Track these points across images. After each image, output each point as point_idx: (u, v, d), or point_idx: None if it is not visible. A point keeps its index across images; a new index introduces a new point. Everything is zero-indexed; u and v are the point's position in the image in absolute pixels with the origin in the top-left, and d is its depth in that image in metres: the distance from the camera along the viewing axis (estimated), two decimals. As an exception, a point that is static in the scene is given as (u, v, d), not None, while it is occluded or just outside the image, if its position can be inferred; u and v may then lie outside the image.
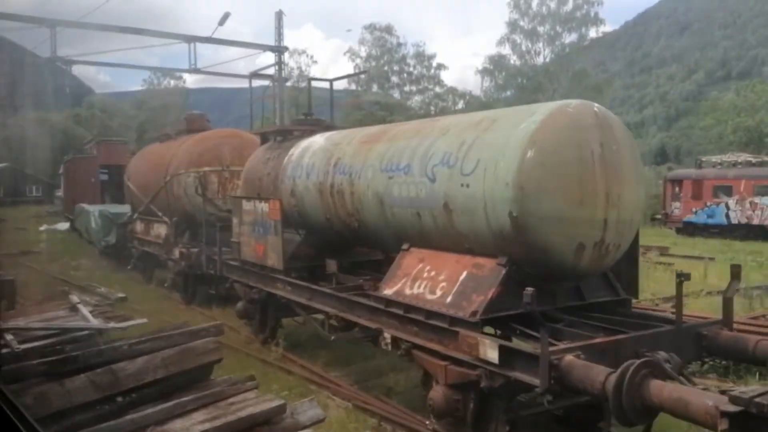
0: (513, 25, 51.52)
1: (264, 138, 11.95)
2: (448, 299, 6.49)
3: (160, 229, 15.10)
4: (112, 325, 10.69)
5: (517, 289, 6.37)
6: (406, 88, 64.26)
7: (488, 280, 6.28)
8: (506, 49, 51.36)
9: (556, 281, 6.38)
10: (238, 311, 10.82)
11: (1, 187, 64.75)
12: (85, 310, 11.26)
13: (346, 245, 9.76)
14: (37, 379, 6.66)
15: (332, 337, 8.40)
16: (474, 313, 6.08)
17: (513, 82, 48.41)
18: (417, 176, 7.10)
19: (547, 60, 49.79)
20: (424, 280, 6.99)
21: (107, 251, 19.94)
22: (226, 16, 25.05)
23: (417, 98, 65.07)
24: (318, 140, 9.79)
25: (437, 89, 61.77)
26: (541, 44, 50.46)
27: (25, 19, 21.19)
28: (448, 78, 62.41)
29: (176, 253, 13.91)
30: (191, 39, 24.53)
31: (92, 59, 25.96)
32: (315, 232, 9.80)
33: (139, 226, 16.84)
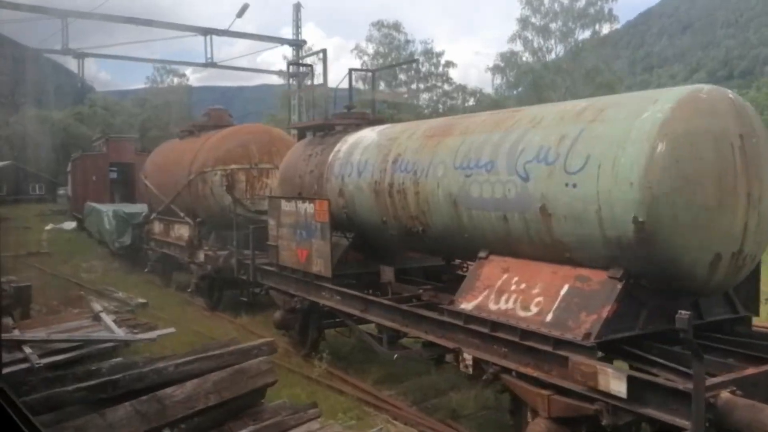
0: (524, 22, 50.52)
1: (301, 133, 11.05)
2: (548, 317, 5.57)
3: (182, 231, 14.17)
4: (140, 336, 9.79)
5: (633, 306, 5.49)
6: (414, 86, 63.33)
7: (600, 295, 5.36)
8: (518, 46, 50.41)
9: (676, 297, 5.47)
10: (276, 321, 9.89)
11: (4, 185, 63.75)
12: (108, 320, 10.34)
13: (401, 250, 8.86)
14: (74, 407, 5.77)
15: (395, 356, 7.46)
16: (587, 335, 5.16)
17: (525, 80, 47.38)
18: (504, 174, 6.17)
19: (560, 56, 48.81)
20: (513, 293, 6.07)
21: (121, 252, 19.01)
22: (244, 8, 24.13)
23: (425, 96, 64.28)
24: (369, 135, 8.87)
25: (446, 87, 60.83)
26: (553, 41, 49.52)
27: (37, 10, 20.30)
28: (452, 76, 61.05)
29: (201, 256, 12.99)
30: (207, 31, 23.57)
31: (103, 52, 24.86)
32: (366, 235, 8.88)
33: (157, 227, 15.91)
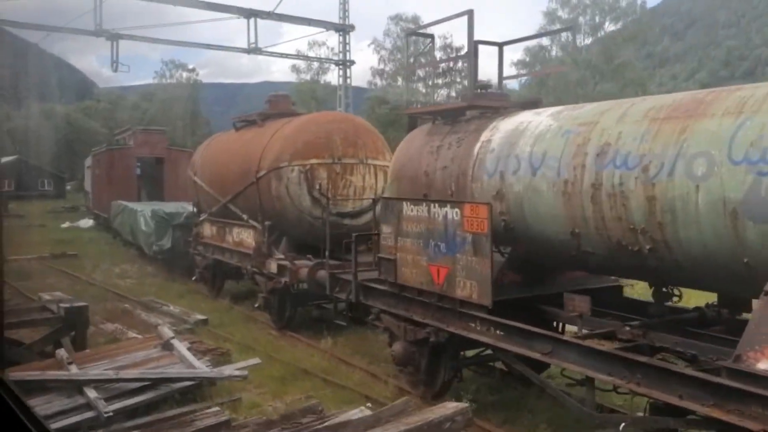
0: (551, 16, 48.57)
1: (412, 123, 8.95)
2: None
3: (245, 235, 12.05)
4: (228, 372, 7.68)
5: None
6: (432, 82, 61.24)
7: None
8: (544, 40, 48.43)
9: None
10: (396, 356, 7.77)
11: (12, 181, 61.45)
12: (183, 348, 8.20)
13: (587, 271, 6.78)
14: None
15: (621, 426, 5.31)
16: None
17: (554, 76, 45.25)
18: None
19: (587, 51, 46.80)
20: None
21: (159, 257, 16.89)
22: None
23: (442, 92, 62.14)
24: (538, 119, 6.76)
25: (465, 83, 58.56)
26: (581, 35, 47.50)
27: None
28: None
29: (273, 266, 10.86)
30: (251, 14, 21.43)
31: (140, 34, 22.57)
32: (537, 251, 6.78)
33: (208, 230, 13.78)
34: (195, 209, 15.14)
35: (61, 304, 8.48)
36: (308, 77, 67.62)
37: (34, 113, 74.52)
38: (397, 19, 59.52)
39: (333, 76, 76.29)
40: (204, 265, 14.14)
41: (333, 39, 57.94)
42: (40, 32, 22.33)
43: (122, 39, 20.89)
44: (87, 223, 32.20)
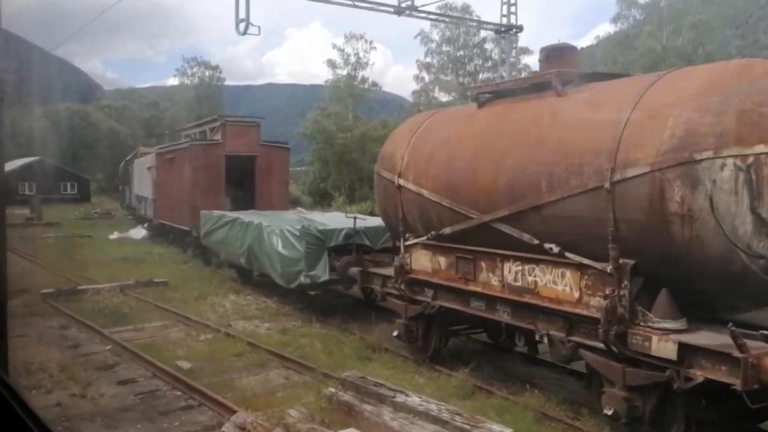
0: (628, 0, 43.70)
1: None
2: None
3: (546, 278, 6.86)
4: None
5: None
6: (482, 76, 55.97)
7: None
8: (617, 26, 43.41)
9: None
10: None
11: (33, 183, 55.87)
12: None
13: None
14: None
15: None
16: None
17: (641, 62, 40.00)
18: None
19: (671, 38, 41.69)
20: None
21: (311, 292, 11.72)
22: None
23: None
24: None
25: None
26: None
27: None
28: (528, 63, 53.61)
29: (663, 347, 5.67)
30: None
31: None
32: None
33: (429, 261, 8.56)
34: (385, 225, 9.96)
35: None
36: (344, 72, 62.23)
37: (51, 112, 69.23)
38: (445, 8, 54.18)
39: (369, 72, 70.79)
40: (415, 315, 8.93)
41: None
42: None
43: None
44: (138, 233, 26.97)
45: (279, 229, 11.97)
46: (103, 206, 50.71)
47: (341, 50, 62.40)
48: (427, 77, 54.80)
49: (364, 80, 62.72)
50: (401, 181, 8.98)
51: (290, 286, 11.77)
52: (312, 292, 11.55)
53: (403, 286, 8.97)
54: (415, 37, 54.87)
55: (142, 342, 10.31)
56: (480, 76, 55.34)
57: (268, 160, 18.64)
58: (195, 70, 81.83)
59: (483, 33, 53.73)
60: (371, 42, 63.29)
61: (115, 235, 26.88)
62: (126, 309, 12.43)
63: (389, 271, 9.47)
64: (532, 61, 54.09)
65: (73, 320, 11.67)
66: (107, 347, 10.01)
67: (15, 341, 10.50)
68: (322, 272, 11.07)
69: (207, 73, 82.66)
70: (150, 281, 14.61)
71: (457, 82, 54.24)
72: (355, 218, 11.47)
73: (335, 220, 13.03)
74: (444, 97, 54.19)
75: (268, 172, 18.61)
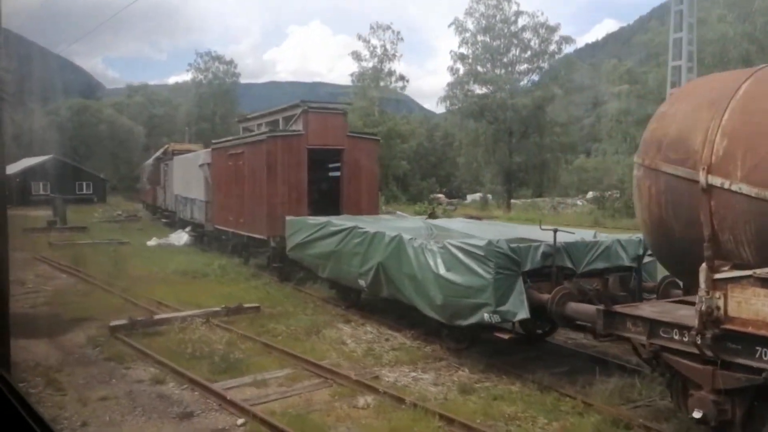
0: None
1: None
2: None
3: None
4: None
5: None
6: (520, 68, 52.83)
7: None
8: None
9: None
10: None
11: (46, 183, 52.60)
12: None
13: None
14: None
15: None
16: None
17: (709, 50, 36.57)
18: None
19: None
20: None
21: (473, 330, 8.59)
22: None
23: (525, 80, 53.68)
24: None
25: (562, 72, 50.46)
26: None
27: None
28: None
29: None
30: None
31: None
32: None
33: (766, 306, 5.45)
34: (651, 244, 6.81)
35: None
36: (370, 65, 58.97)
37: (61, 108, 65.99)
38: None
39: (398, 65, 67.34)
40: (737, 387, 5.76)
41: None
42: None
43: None
44: (180, 238, 23.82)
45: (439, 245, 8.80)
46: (119, 206, 47.58)
47: (367, 41, 59.43)
48: (462, 69, 51.45)
49: (390, 73, 59.66)
50: (713, 179, 5.80)
51: (457, 323, 8.61)
52: (504, 336, 8.34)
53: (709, 342, 5.81)
54: (449, 26, 51.64)
55: (280, 410, 7.18)
56: (517, 67, 52.21)
57: (356, 155, 15.46)
58: (209, 64, 78.53)
59: (521, 21, 50.61)
60: (399, 33, 60.14)
61: (153, 242, 23.74)
62: (231, 350, 9.29)
63: (670, 317, 6.32)
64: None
65: (167, 369, 8.53)
66: (239, 422, 6.87)
67: (96, 405, 7.37)
68: (519, 307, 7.89)
69: (221, 68, 79.41)
70: (240, 307, 11.46)
71: (493, 74, 51.07)
72: (555, 231, 8.33)
73: (503, 232, 9.91)
74: (479, 90, 51.01)
75: (356, 169, 15.44)
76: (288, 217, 13.55)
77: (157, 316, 10.77)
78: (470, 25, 51.34)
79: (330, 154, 15.53)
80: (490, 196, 53.26)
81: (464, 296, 8.35)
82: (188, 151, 31.04)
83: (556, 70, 49.78)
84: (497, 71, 51.80)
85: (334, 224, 11.63)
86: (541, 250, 8.26)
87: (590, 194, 45.52)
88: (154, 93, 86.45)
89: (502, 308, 7.95)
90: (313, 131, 14.92)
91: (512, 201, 49.81)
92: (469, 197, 59.23)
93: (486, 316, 8.05)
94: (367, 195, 15.62)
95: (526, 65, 52.61)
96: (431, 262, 8.89)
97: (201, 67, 78.91)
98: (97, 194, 55.09)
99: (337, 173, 15.65)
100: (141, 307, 12.01)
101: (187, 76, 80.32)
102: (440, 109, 58.64)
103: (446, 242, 8.73)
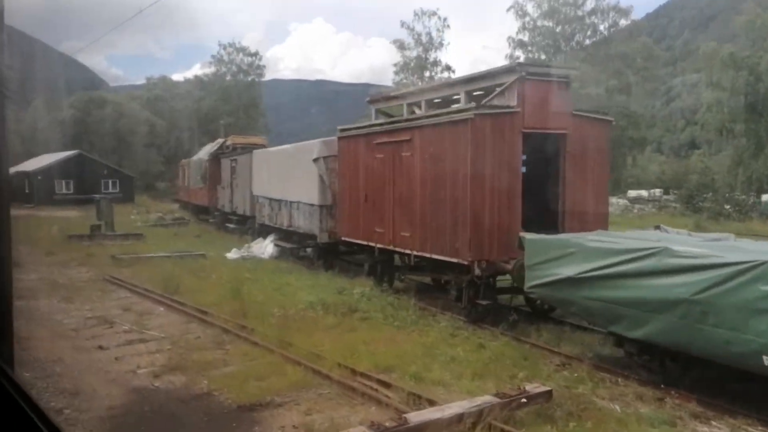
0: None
1: None
2: None
3: None
4: None
5: None
6: (583, 54, 47.96)
7: None
8: None
9: None
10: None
11: (70, 181, 47.70)
12: None
13: None
14: None
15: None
16: None
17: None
18: None
19: None
20: None
21: None
22: None
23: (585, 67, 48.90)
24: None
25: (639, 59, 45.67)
26: None
27: None
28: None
29: None
30: None
31: None
32: None
33: None
34: None
35: None
36: (414, 54, 54.16)
37: (81, 101, 61.13)
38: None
39: (443, 54, 62.18)
40: None
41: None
42: None
43: None
44: (265, 249, 19.10)
45: None
46: (149, 207, 42.79)
47: (411, 29, 54.64)
48: (522, 56, 46.72)
49: (436, 63, 54.88)
50: None
51: None
52: None
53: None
54: (508, 11, 46.87)
55: None
56: (581, 54, 47.49)
57: (582, 143, 10.74)
58: (233, 56, 73.66)
59: (589, 3, 45.86)
60: (445, 20, 55.26)
61: (234, 254, 18.97)
62: None
63: None
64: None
65: None
66: None
67: None
68: None
69: (246, 60, 74.50)
70: (524, 393, 6.71)
71: (554, 63, 46.41)
72: None
73: None
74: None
75: (582, 162, 10.73)
76: (528, 235, 8.83)
77: (411, 417, 6.00)
78: (530, 8, 46.61)
79: (548, 141, 10.76)
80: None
81: None
82: (252, 144, 26.27)
83: (630, 56, 44.93)
84: (558, 58, 47.08)
85: (677, 253, 6.88)
86: None
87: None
88: (173, 86, 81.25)
89: None
90: (531, 108, 10.15)
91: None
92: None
93: None
94: (594, 201, 10.88)
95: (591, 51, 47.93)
96: None
97: (225, 59, 73.90)
98: (125, 193, 50.10)
99: (555, 167, 10.87)
100: (337, 383, 7.28)
101: (208, 69, 74.84)
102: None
103: None
